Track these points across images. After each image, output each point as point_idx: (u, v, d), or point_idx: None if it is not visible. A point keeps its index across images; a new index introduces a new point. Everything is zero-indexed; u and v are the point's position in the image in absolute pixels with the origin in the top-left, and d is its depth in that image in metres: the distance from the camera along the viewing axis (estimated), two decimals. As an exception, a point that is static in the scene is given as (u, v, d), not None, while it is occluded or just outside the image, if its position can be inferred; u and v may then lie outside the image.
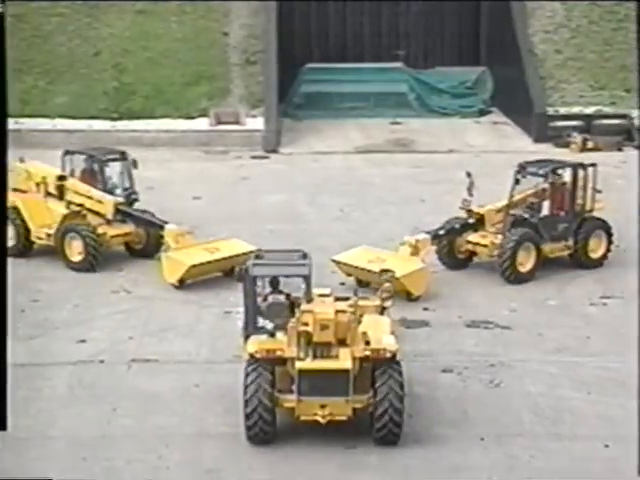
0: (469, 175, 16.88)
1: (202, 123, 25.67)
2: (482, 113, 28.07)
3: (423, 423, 12.58)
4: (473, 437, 12.31)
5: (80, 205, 17.76)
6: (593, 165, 17.34)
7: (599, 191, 17.40)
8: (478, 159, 23.08)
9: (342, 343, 11.89)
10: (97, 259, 17.26)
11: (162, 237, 17.30)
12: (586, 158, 17.96)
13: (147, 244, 17.84)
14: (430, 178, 21.40)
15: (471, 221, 17.26)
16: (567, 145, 24.74)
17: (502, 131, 26.60)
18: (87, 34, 27.16)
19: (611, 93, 26.14)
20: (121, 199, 17.88)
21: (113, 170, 18.20)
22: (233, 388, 13.11)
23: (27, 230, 17.86)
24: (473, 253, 17.44)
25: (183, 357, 14.30)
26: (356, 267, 16.33)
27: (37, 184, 18.00)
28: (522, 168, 17.25)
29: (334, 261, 16.51)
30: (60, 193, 17.74)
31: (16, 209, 17.78)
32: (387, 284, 13.19)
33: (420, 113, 27.95)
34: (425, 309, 15.88)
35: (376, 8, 29.36)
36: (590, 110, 25.87)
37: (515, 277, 16.74)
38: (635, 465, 10.56)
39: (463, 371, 13.88)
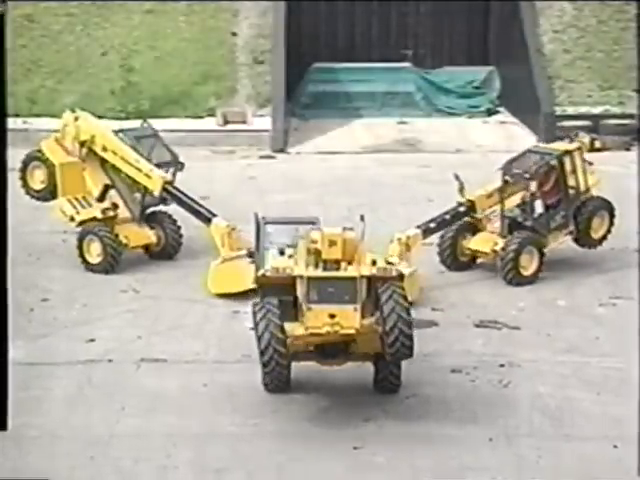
0: (457, 178, 16.85)
1: (209, 123, 25.65)
2: (490, 113, 27.98)
3: (432, 423, 12.59)
4: (482, 437, 12.30)
5: (126, 175, 17.10)
6: (579, 149, 17.12)
7: (591, 163, 17.26)
8: (486, 159, 23.00)
9: (350, 264, 12.29)
10: (116, 261, 17.03)
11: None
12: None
13: (165, 246, 17.60)
14: (438, 178, 21.31)
15: (462, 209, 17.08)
16: (575, 145, 24.66)
17: (510, 131, 26.51)
18: (95, 34, 27.14)
19: (619, 93, 26.05)
20: (170, 177, 17.15)
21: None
22: (242, 388, 13.14)
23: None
24: (476, 256, 17.36)
25: (191, 357, 14.31)
26: None
27: (81, 143, 17.14)
28: (507, 170, 16.92)
29: None
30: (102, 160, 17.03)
31: (51, 165, 17.12)
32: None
33: (427, 113, 27.85)
34: (433, 309, 15.86)
35: (385, 8, 29.30)
36: (598, 110, 25.79)
37: (517, 281, 16.67)
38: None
39: (472, 371, 13.86)
